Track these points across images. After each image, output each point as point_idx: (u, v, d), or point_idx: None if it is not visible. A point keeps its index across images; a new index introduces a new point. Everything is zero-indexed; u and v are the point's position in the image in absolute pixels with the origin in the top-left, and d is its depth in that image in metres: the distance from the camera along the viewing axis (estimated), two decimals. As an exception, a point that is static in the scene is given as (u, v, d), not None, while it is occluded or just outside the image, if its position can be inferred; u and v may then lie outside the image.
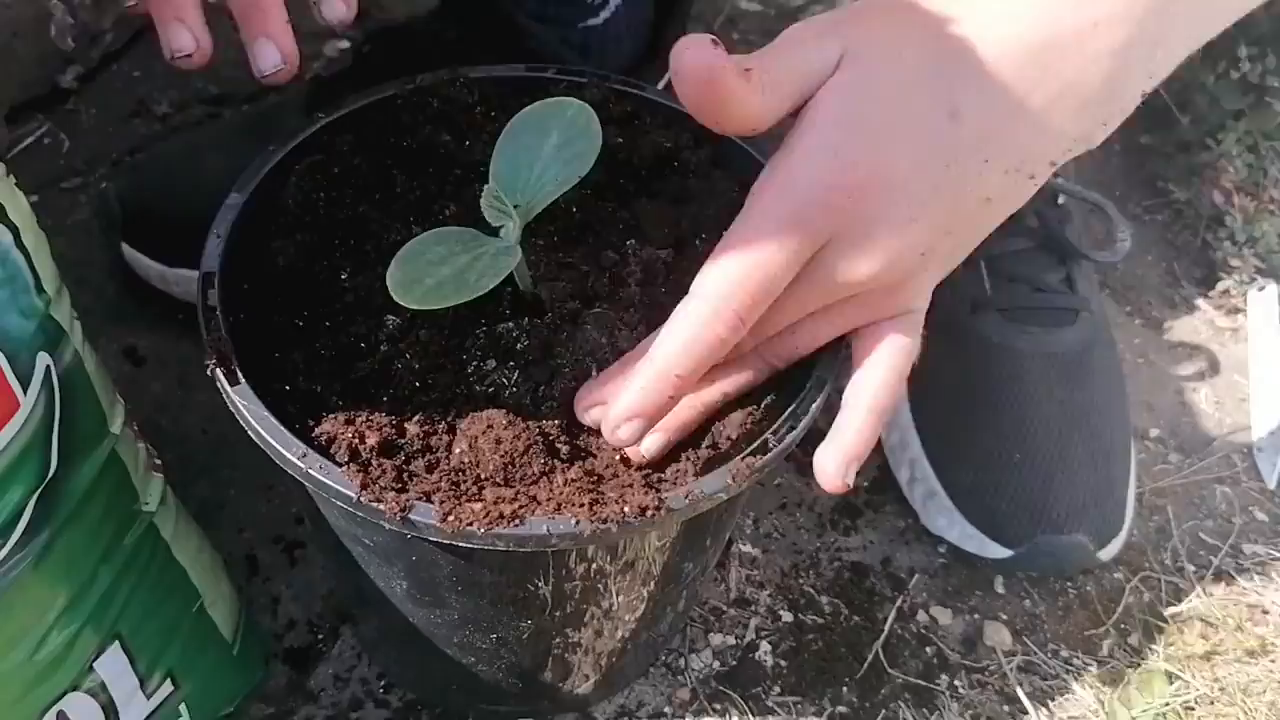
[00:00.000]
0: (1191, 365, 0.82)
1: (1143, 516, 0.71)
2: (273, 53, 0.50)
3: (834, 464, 0.45)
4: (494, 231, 0.45)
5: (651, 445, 0.45)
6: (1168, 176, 0.91)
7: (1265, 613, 0.67)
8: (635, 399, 0.42)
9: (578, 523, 0.41)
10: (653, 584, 0.52)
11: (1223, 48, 0.86)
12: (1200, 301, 0.86)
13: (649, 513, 0.41)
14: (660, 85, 0.78)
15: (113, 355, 0.73)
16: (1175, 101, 0.90)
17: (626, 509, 0.42)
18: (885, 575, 0.68)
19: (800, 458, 0.71)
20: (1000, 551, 0.66)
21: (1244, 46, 0.83)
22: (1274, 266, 0.85)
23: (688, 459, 0.46)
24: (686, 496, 0.42)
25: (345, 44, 0.95)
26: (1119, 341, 0.79)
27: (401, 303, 0.42)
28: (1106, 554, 0.67)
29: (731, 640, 0.65)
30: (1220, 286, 0.86)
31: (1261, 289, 0.84)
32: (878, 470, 0.72)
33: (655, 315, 0.48)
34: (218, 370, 0.44)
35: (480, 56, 0.73)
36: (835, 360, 0.47)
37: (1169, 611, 0.67)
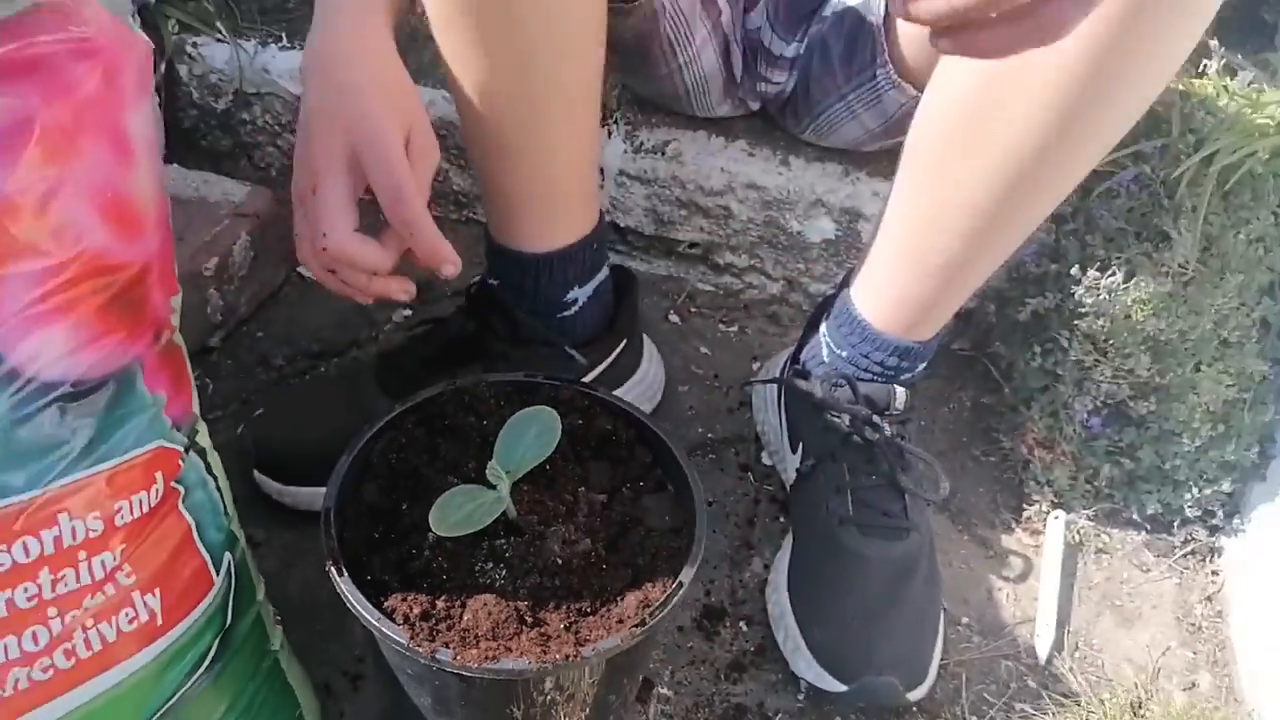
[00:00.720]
0: (1003, 571, 1.08)
1: (945, 679, 0.98)
2: (448, 268, 0.79)
3: None
4: (494, 487, 0.78)
5: None
6: (999, 429, 1.18)
7: (1021, 753, 0.94)
8: None
9: (529, 663, 0.71)
10: (587, 709, 0.81)
11: (1022, 344, 1.16)
12: (1014, 524, 1.12)
13: (569, 659, 0.72)
14: (590, 377, 1.08)
15: (242, 542, 1.03)
16: (1002, 375, 1.21)
17: (559, 656, 0.72)
18: (759, 713, 0.95)
19: (708, 628, 1.01)
20: (839, 686, 0.93)
21: (1037, 345, 1.11)
22: (1065, 501, 1.11)
23: (603, 626, 0.76)
24: (593, 651, 0.72)
25: (408, 312, 1.28)
26: (949, 551, 1.08)
27: (437, 532, 0.73)
28: (914, 695, 0.93)
29: (647, 756, 0.93)
30: (1026, 514, 1.11)
31: (1056, 518, 1.10)
32: (761, 639, 1.00)
33: (594, 537, 0.80)
34: (332, 570, 0.75)
35: (491, 340, 1.07)
36: (694, 566, 0.78)
37: (952, 749, 0.94)
